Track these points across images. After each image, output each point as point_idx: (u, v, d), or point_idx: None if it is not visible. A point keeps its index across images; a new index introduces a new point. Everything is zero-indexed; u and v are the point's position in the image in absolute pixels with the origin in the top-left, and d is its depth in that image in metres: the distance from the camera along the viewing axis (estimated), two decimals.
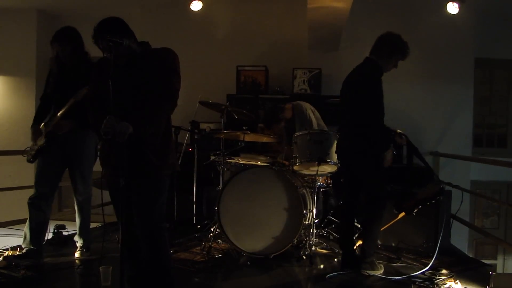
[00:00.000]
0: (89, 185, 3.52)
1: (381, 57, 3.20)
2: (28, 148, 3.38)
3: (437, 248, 3.38)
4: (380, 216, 3.23)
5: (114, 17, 2.32)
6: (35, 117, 3.45)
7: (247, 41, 6.27)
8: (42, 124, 3.32)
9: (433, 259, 3.29)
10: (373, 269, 3.18)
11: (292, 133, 3.98)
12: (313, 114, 4.42)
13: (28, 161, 3.40)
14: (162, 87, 2.29)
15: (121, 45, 2.19)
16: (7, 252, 3.37)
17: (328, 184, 4.15)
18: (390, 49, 3.18)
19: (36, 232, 3.34)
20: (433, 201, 3.54)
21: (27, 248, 3.32)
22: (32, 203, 3.34)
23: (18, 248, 3.43)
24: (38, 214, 3.33)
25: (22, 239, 3.37)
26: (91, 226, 3.65)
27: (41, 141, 3.30)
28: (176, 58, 2.38)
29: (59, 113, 3.24)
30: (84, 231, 3.53)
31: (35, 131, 3.35)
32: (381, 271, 3.21)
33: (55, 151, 3.33)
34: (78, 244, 3.52)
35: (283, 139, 4.65)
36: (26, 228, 3.37)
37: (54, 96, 3.40)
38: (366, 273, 3.16)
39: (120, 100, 2.14)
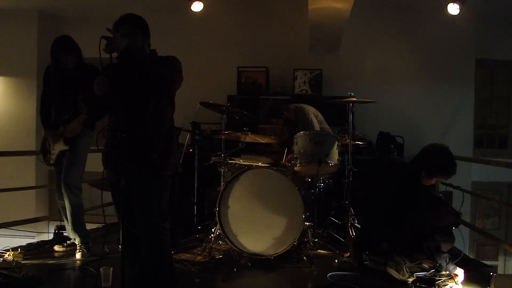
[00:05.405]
0: (79, 177, 3.53)
1: None
2: (50, 152, 3.51)
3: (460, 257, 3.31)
4: None
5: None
6: (43, 122, 3.56)
7: (247, 42, 6.27)
8: (61, 128, 3.43)
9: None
10: (397, 271, 3.03)
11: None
12: (316, 118, 4.41)
13: (49, 164, 3.55)
14: (162, 77, 2.31)
15: (113, 40, 2.17)
16: (7, 253, 3.37)
17: (329, 185, 4.14)
18: None
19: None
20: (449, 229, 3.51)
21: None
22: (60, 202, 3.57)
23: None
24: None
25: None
26: (92, 227, 3.65)
27: (62, 147, 3.45)
28: (180, 63, 2.42)
29: (76, 121, 3.37)
30: (77, 227, 3.49)
31: (53, 135, 3.48)
32: (404, 278, 3.01)
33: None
34: (77, 242, 3.52)
35: (283, 138, 4.64)
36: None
37: (56, 101, 3.47)
38: (389, 271, 3.03)
39: (120, 97, 2.17)
